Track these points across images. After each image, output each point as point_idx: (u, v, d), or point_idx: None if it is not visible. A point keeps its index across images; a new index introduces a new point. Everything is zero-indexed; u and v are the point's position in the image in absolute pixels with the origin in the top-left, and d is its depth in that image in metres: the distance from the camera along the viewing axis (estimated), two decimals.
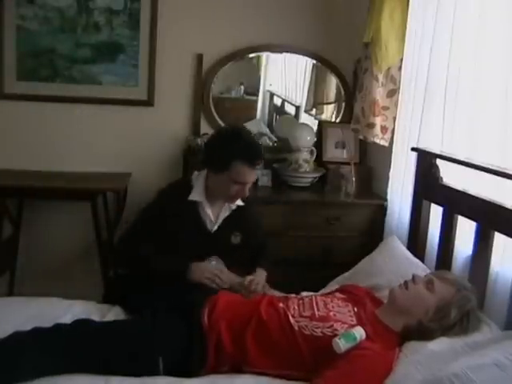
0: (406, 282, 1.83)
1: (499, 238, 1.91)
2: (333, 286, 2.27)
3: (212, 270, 2.12)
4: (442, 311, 1.74)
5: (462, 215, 2.09)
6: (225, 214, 2.24)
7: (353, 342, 1.64)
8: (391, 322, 1.79)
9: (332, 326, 1.75)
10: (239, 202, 2.25)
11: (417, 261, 2.23)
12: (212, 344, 1.75)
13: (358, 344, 1.65)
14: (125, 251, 2.23)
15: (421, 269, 2.15)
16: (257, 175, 2.20)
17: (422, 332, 1.72)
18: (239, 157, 2.08)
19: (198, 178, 2.24)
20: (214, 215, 2.23)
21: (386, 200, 2.79)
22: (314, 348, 1.70)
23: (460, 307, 1.75)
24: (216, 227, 2.23)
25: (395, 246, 2.38)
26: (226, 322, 1.79)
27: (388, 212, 2.76)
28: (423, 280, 1.83)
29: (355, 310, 1.86)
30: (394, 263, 2.22)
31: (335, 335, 1.70)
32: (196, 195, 2.20)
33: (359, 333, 1.67)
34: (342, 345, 1.63)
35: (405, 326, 1.77)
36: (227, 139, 2.18)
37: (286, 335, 1.74)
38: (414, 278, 1.84)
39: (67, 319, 1.84)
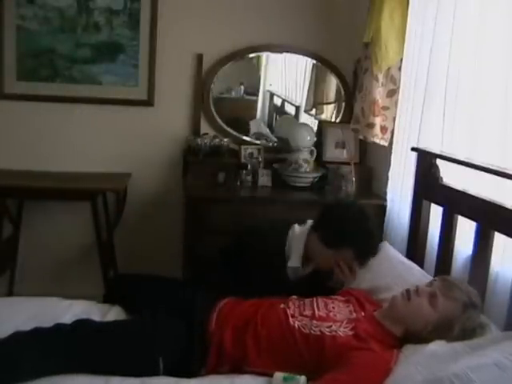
0: (409, 292, 1.77)
1: (499, 238, 1.90)
2: None
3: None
4: (442, 327, 1.70)
5: (462, 215, 2.09)
6: (309, 269, 2.18)
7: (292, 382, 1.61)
8: (390, 326, 1.78)
9: (331, 326, 1.75)
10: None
11: (412, 264, 2.21)
12: (214, 345, 1.75)
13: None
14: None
15: (416, 271, 2.14)
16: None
17: (421, 340, 1.70)
18: (354, 247, 2.10)
19: (299, 239, 2.18)
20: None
21: (385, 200, 2.79)
22: (313, 347, 1.70)
23: (464, 324, 1.70)
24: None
25: (388, 251, 2.33)
26: (231, 325, 1.80)
27: (388, 212, 2.75)
28: (427, 292, 1.76)
29: (355, 311, 1.86)
30: (388, 267, 2.18)
31: (334, 335, 1.71)
32: (295, 261, 2.13)
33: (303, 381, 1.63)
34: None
35: (403, 332, 1.76)
36: (353, 223, 2.14)
37: (285, 335, 1.75)
38: (417, 289, 1.77)
39: (67, 319, 1.84)
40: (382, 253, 2.33)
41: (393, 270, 2.17)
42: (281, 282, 2.12)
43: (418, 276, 2.08)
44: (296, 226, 2.24)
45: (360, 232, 2.13)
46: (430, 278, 2.06)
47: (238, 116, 3.38)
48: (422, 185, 2.37)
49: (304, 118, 3.41)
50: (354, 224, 2.14)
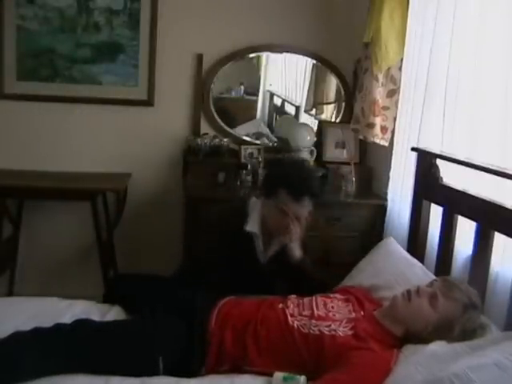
0: (409, 293, 1.77)
1: (499, 238, 1.90)
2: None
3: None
4: (443, 328, 1.70)
5: (462, 215, 2.09)
6: (274, 249, 2.20)
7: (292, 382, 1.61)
8: (390, 326, 1.78)
9: (330, 325, 1.75)
10: (296, 251, 2.17)
11: (415, 261, 2.22)
12: (214, 345, 1.75)
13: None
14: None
15: (419, 268, 2.15)
16: (304, 214, 2.12)
17: (421, 340, 1.70)
18: (286, 186, 2.07)
19: (255, 206, 2.21)
20: (263, 248, 2.19)
21: (386, 200, 2.79)
22: (312, 347, 1.70)
23: (464, 325, 1.71)
24: (266, 259, 2.20)
25: (392, 246, 2.36)
26: (231, 324, 1.80)
27: (388, 212, 2.76)
28: (428, 292, 1.76)
29: (355, 310, 1.86)
30: (391, 264, 2.21)
31: (334, 334, 1.71)
32: (252, 226, 2.16)
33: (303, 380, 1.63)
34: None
35: (403, 332, 1.76)
36: (283, 166, 2.22)
37: (284, 334, 1.75)
38: (418, 290, 1.77)
39: (67, 319, 1.84)
40: (385, 248, 2.35)
41: (395, 266, 2.17)
42: (253, 266, 2.15)
43: (420, 274, 2.09)
44: (253, 198, 2.27)
45: (288, 171, 2.16)
46: (431, 275, 2.06)
47: (238, 116, 3.38)
48: (422, 185, 2.37)
49: (304, 118, 3.41)
50: (281, 166, 2.25)
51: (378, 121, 2.67)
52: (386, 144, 2.71)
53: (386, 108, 2.66)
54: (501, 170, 1.85)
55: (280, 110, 3.49)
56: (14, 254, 3.20)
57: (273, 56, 3.29)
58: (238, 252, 2.12)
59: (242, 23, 3.15)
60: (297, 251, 2.18)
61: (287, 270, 2.18)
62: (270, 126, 3.45)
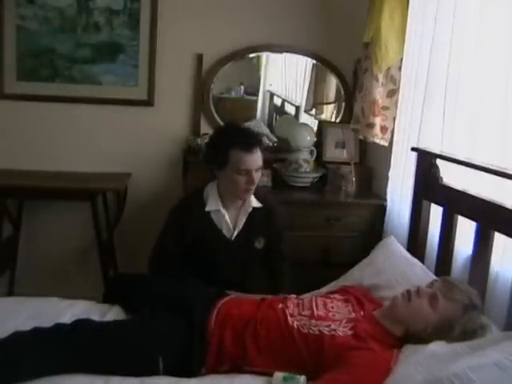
0: (409, 293, 1.77)
1: (499, 238, 1.90)
2: (332, 287, 2.26)
3: None
4: (443, 328, 1.70)
5: (462, 215, 2.09)
6: (243, 218, 2.24)
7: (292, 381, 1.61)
8: (390, 326, 1.78)
9: (330, 325, 1.75)
10: (256, 204, 2.25)
11: (415, 260, 2.22)
12: (214, 345, 1.75)
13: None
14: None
15: (419, 268, 2.15)
16: (259, 162, 2.16)
17: (421, 340, 1.70)
18: (234, 145, 2.10)
19: (211, 188, 2.24)
20: (232, 222, 2.23)
21: (385, 200, 2.79)
22: (312, 347, 1.70)
23: (464, 325, 1.71)
24: (235, 234, 2.24)
25: (393, 245, 2.37)
26: (231, 324, 1.80)
27: (388, 212, 2.76)
28: (428, 293, 1.76)
29: (355, 310, 1.86)
30: (392, 263, 2.22)
31: (333, 334, 1.71)
32: (212, 205, 2.20)
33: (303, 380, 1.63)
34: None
35: (403, 332, 1.77)
36: (220, 133, 2.26)
37: (284, 334, 1.75)
38: (418, 290, 1.77)
39: (67, 319, 1.84)
40: (386, 247, 2.35)
41: (395, 266, 2.18)
42: (219, 241, 2.21)
43: (421, 274, 2.09)
44: (209, 184, 2.30)
45: (228, 133, 2.21)
46: (432, 275, 2.06)
47: (238, 116, 3.37)
48: (422, 185, 2.37)
49: (304, 118, 3.41)
50: (219, 134, 2.28)
51: (377, 121, 2.67)
52: (386, 144, 2.71)
53: (385, 108, 2.66)
54: (501, 169, 1.85)
55: (280, 110, 3.49)
56: (14, 254, 3.20)
57: (273, 56, 3.29)
58: (202, 233, 2.19)
59: (242, 23, 3.15)
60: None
61: (265, 252, 2.29)
62: (270, 125, 3.45)
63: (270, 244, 2.30)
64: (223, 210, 2.21)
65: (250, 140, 2.15)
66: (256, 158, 2.14)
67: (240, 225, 2.24)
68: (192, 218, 2.21)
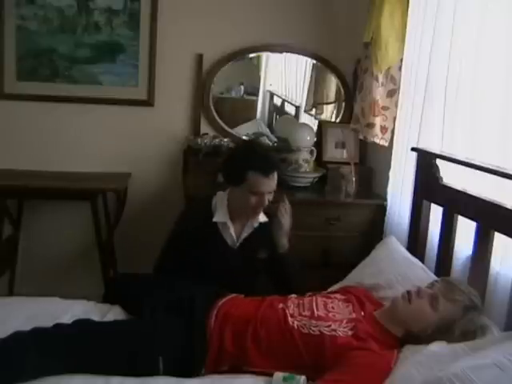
0: (410, 294, 1.78)
1: (499, 238, 1.90)
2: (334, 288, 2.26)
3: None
4: (443, 329, 1.71)
5: (462, 215, 2.09)
6: (247, 231, 2.25)
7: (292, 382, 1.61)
8: (391, 327, 1.78)
9: (330, 325, 1.75)
10: (263, 219, 2.26)
11: (415, 260, 2.22)
12: (214, 345, 1.75)
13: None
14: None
15: (419, 268, 2.15)
16: (274, 186, 2.18)
17: (422, 341, 1.70)
18: (253, 167, 2.11)
19: (222, 199, 2.24)
20: (236, 234, 2.24)
21: (385, 200, 2.78)
22: (312, 347, 1.70)
23: (464, 326, 1.71)
24: (238, 244, 2.24)
25: (393, 245, 2.37)
26: (231, 324, 1.80)
27: (388, 212, 2.75)
28: (428, 293, 1.77)
29: (355, 310, 1.86)
30: (392, 263, 2.22)
31: (334, 335, 1.71)
32: (220, 216, 2.21)
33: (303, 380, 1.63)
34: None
35: (404, 333, 1.77)
36: (241, 152, 2.29)
37: (284, 334, 1.75)
38: (419, 291, 1.78)
39: (67, 319, 1.84)
40: (386, 247, 2.36)
41: (396, 266, 2.18)
42: (222, 251, 2.22)
43: (421, 274, 2.09)
44: (219, 192, 2.31)
45: (249, 153, 2.22)
46: (432, 275, 2.06)
47: (238, 116, 3.38)
48: (422, 185, 2.37)
49: (304, 118, 3.41)
50: (239, 152, 2.34)
51: (377, 121, 2.67)
52: (386, 144, 2.71)
53: (385, 108, 2.66)
54: (501, 170, 1.84)
55: (280, 110, 3.49)
56: (14, 254, 3.20)
57: (273, 56, 3.29)
58: (207, 242, 2.19)
59: (242, 23, 3.15)
60: (284, 240, 2.24)
61: (269, 262, 2.26)
62: (269, 125, 3.45)
63: (275, 254, 2.28)
64: (229, 223, 2.22)
65: (270, 164, 2.16)
66: (271, 183, 2.15)
67: (243, 236, 2.25)
68: (198, 226, 2.21)
